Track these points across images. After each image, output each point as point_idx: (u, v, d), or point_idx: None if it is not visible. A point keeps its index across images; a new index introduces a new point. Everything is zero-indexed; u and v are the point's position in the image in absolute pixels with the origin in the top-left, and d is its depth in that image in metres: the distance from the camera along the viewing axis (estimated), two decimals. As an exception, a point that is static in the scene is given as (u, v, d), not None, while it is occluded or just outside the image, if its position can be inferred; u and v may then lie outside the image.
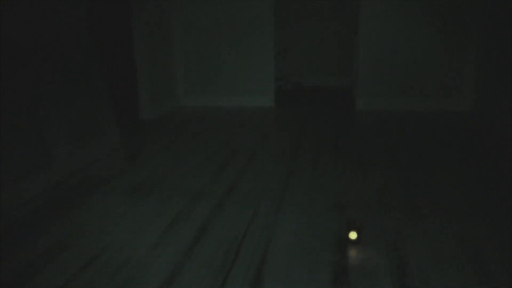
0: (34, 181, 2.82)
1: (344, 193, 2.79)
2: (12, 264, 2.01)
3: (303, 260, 2.02)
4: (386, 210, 2.52)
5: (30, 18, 2.79)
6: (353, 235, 2.14)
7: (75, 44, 3.27)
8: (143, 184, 2.97)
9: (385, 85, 5.22)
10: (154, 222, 2.41)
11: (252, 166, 3.31)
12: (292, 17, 7.05)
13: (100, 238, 2.24)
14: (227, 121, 4.73)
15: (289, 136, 4.12)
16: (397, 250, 2.09)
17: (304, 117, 4.92)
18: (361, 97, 5.29)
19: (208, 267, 1.97)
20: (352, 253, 2.07)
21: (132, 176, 3.11)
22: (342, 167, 3.26)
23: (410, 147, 3.73)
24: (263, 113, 5.12)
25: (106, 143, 3.68)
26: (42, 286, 1.84)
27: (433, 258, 2.02)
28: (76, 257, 2.06)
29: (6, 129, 2.58)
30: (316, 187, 2.89)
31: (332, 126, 4.49)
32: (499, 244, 2.13)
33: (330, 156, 3.52)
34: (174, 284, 1.84)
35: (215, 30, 5.38)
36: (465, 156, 3.47)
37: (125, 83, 4.74)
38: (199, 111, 5.23)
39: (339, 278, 1.88)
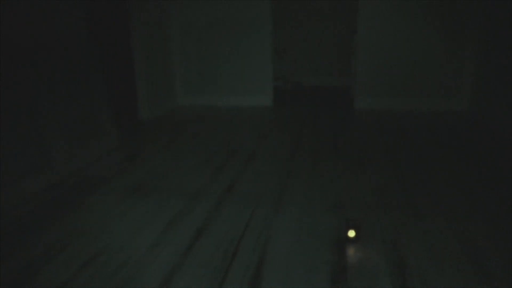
0: (34, 181, 2.82)
1: (343, 193, 2.79)
2: (11, 264, 2.01)
3: (302, 260, 2.02)
4: (385, 210, 2.52)
5: (29, 18, 2.79)
6: (351, 233, 2.14)
7: (74, 44, 3.27)
8: (142, 184, 2.97)
9: (384, 84, 5.23)
10: (153, 222, 2.41)
11: (251, 166, 3.31)
12: (291, 17, 7.05)
13: (99, 238, 2.24)
14: (226, 121, 4.73)
15: (288, 136, 4.12)
16: (396, 249, 2.09)
17: (303, 116, 4.92)
18: (360, 97, 5.29)
19: (207, 267, 1.98)
20: (351, 252, 2.07)
21: (131, 176, 3.11)
22: (341, 167, 3.27)
23: (409, 146, 3.73)
24: (262, 113, 5.12)
25: (105, 143, 3.69)
26: (41, 286, 1.84)
27: (432, 257, 2.02)
28: (75, 257, 2.06)
29: (6, 129, 2.58)
30: (315, 187, 2.89)
31: (331, 126, 4.50)
32: (498, 244, 2.14)
33: (329, 156, 3.52)
34: (173, 284, 1.85)
35: (214, 30, 5.38)
36: (464, 155, 3.48)
37: (124, 83, 4.74)
38: (198, 111, 5.23)
39: (338, 277, 1.88)
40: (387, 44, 5.11)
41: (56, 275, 1.92)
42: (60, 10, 3.10)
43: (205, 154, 3.59)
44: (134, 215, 2.50)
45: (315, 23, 7.03)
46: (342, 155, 3.53)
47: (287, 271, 1.93)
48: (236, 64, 5.45)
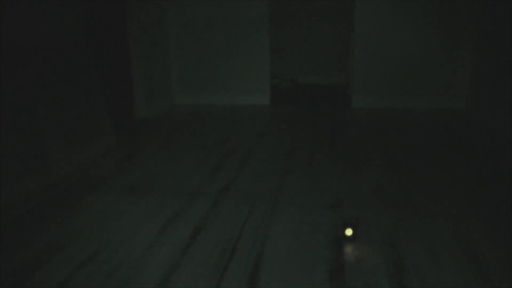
0: (31, 181, 2.82)
1: (341, 191, 2.79)
2: (10, 263, 2.01)
3: (300, 258, 2.02)
4: (384, 209, 2.53)
5: (27, 18, 2.78)
6: (349, 232, 2.15)
7: (71, 44, 3.26)
8: (140, 183, 2.96)
9: (381, 83, 5.23)
10: (151, 222, 2.41)
11: (248, 165, 3.31)
12: (288, 16, 7.05)
13: (97, 238, 2.24)
14: (223, 119, 4.73)
15: (285, 134, 4.12)
16: (394, 248, 2.10)
17: (300, 115, 4.92)
18: (357, 95, 5.30)
19: (205, 266, 1.98)
20: (349, 250, 2.08)
21: (129, 176, 3.10)
22: (339, 165, 3.27)
23: (407, 145, 3.74)
24: (259, 111, 5.12)
25: (103, 143, 3.68)
26: (40, 285, 1.84)
27: (431, 256, 2.03)
28: (73, 257, 2.06)
29: (4, 129, 2.57)
30: (313, 185, 2.89)
31: (328, 124, 4.50)
32: (497, 243, 2.14)
33: (327, 154, 3.53)
34: (171, 283, 1.85)
35: (212, 29, 5.37)
36: (462, 154, 3.48)
37: (121, 83, 4.73)
38: (195, 110, 5.23)
39: (335, 275, 1.88)
40: (385, 43, 5.11)
41: (55, 275, 1.91)
42: (57, 9, 3.09)
43: (202, 153, 3.58)
44: (132, 215, 2.49)
45: (312, 21, 7.03)
46: (340, 154, 3.53)
47: (285, 269, 1.93)
48: (233, 63, 5.45)
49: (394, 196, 2.70)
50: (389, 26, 5.06)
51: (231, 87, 5.53)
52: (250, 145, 3.79)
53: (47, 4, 3.00)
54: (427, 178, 2.97)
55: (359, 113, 4.97)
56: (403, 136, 4.01)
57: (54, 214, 2.52)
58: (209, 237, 2.24)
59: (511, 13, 3.90)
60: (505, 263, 1.95)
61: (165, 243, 2.18)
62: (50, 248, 2.14)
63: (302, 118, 4.79)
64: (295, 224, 2.36)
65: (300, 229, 2.30)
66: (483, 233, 2.22)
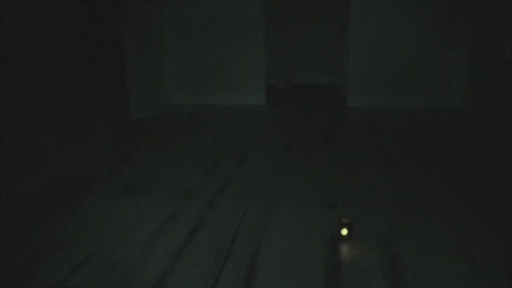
0: (27, 182, 2.81)
1: (336, 190, 2.80)
2: (7, 264, 2.00)
3: (296, 258, 2.02)
4: (379, 207, 2.53)
5: (23, 19, 2.77)
6: (344, 231, 2.15)
7: (67, 44, 3.25)
8: (136, 184, 2.96)
9: (376, 82, 5.25)
10: (146, 222, 2.41)
11: (244, 164, 3.31)
12: (283, 16, 7.05)
13: (93, 239, 2.23)
14: (219, 119, 4.73)
15: (281, 134, 4.13)
16: (389, 247, 2.10)
17: (296, 115, 4.92)
18: (352, 95, 5.31)
19: (200, 266, 1.97)
20: (344, 250, 2.08)
21: (124, 177, 3.10)
22: (333, 164, 3.27)
23: (402, 144, 3.75)
24: (254, 111, 5.12)
25: (98, 143, 3.67)
26: (36, 286, 1.83)
27: (425, 254, 2.03)
28: (68, 258, 2.05)
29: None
30: (309, 185, 2.90)
31: (323, 123, 4.51)
32: (492, 242, 2.15)
33: (322, 154, 3.53)
34: (167, 284, 1.84)
35: (207, 29, 5.37)
36: (457, 153, 3.50)
37: (117, 83, 4.72)
38: (191, 110, 5.22)
39: (331, 274, 1.88)
40: (379, 42, 5.12)
41: (51, 276, 1.91)
42: (53, 9, 3.08)
43: (199, 153, 3.58)
44: (127, 216, 2.49)
45: (307, 21, 7.04)
46: (336, 154, 3.54)
47: (281, 269, 1.94)
48: (229, 63, 5.44)
49: (390, 195, 2.70)
50: (384, 26, 5.07)
51: (227, 87, 5.53)
52: (246, 145, 3.79)
53: (44, 4, 2.99)
54: (423, 177, 2.98)
55: (355, 113, 4.98)
56: (399, 135, 4.02)
57: (51, 214, 2.51)
58: (205, 237, 2.24)
59: (507, 12, 3.92)
60: (502, 263, 1.96)
61: (161, 243, 2.18)
62: (47, 249, 2.13)
63: (298, 118, 4.79)
64: (291, 224, 2.36)
65: (296, 229, 2.30)
66: (479, 232, 2.23)
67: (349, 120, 4.65)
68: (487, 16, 4.39)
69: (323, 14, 6.97)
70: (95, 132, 3.66)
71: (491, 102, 4.20)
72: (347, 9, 6.84)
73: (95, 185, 2.95)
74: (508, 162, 3.25)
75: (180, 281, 1.87)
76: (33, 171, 2.89)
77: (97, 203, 2.66)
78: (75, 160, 3.35)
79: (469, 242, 2.13)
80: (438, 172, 3.06)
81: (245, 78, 5.47)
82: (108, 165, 3.35)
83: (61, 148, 3.20)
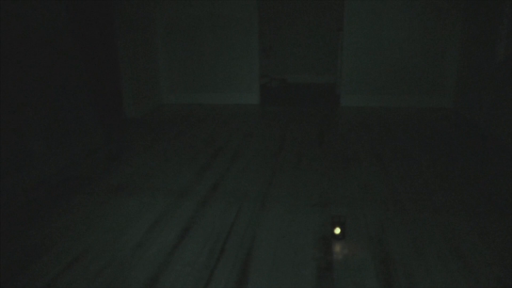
0: (16, 180, 2.78)
1: (328, 189, 2.80)
2: (-7, 266, 1.98)
3: (288, 257, 2.02)
4: (371, 206, 2.54)
5: (13, 16, 2.74)
6: (337, 230, 2.15)
7: (58, 43, 3.23)
8: (127, 183, 2.94)
9: (369, 82, 5.26)
10: (138, 222, 2.39)
11: (236, 164, 3.30)
12: (277, 15, 7.05)
13: (83, 238, 2.21)
14: (212, 119, 4.72)
15: (274, 133, 4.12)
16: (381, 245, 2.11)
17: (289, 114, 4.92)
18: (345, 94, 5.31)
19: (193, 265, 1.97)
20: (337, 248, 2.08)
21: (116, 175, 3.08)
22: (326, 163, 3.28)
23: (394, 143, 3.76)
24: (248, 110, 5.11)
25: (89, 142, 3.64)
26: (25, 286, 1.81)
27: (417, 253, 2.04)
28: (59, 258, 2.04)
29: (-14, 128, 2.54)
30: (301, 184, 2.90)
31: (316, 123, 4.51)
32: (483, 240, 2.16)
33: (315, 153, 3.53)
34: (159, 284, 1.83)
35: (200, 27, 5.35)
36: (448, 151, 3.51)
37: (108, 81, 4.69)
38: (183, 109, 5.20)
39: (324, 273, 1.88)
40: (373, 42, 5.13)
41: (40, 275, 1.89)
42: (43, 7, 3.06)
43: (190, 153, 3.57)
44: (119, 215, 2.47)
45: (301, 20, 7.04)
46: (328, 152, 3.54)
47: (273, 268, 1.93)
48: (222, 62, 5.43)
49: (382, 194, 2.71)
50: (378, 26, 5.08)
51: (220, 86, 5.52)
52: (239, 144, 3.78)
53: (33, 3, 2.96)
54: (415, 177, 2.99)
55: (348, 112, 4.99)
56: (391, 134, 4.04)
57: (41, 213, 2.49)
58: (197, 236, 2.23)
59: (499, 13, 3.94)
60: (493, 262, 1.97)
61: (153, 242, 2.17)
62: (38, 248, 2.11)
63: (291, 117, 4.79)
64: (283, 223, 2.35)
65: (288, 228, 2.30)
66: (470, 231, 2.24)
67: (342, 119, 4.65)
68: (479, 17, 4.42)
69: (317, 14, 6.97)
70: (87, 130, 3.63)
71: (482, 102, 4.22)
72: (341, 9, 6.85)
73: (87, 184, 2.93)
74: (498, 161, 3.27)
75: (172, 280, 1.86)
76: (23, 169, 2.86)
77: (88, 202, 2.64)
78: (66, 158, 3.33)
79: (460, 241, 2.14)
80: (430, 171, 3.07)
81: (239, 77, 5.46)
82: (100, 164, 3.33)
83: (52, 146, 3.18)
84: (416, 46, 5.09)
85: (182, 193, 2.77)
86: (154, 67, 5.31)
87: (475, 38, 4.49)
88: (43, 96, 3.07)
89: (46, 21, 3.11)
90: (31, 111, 2.94)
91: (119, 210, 2.53)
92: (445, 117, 4.70)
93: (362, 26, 5.10)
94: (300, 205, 2.57)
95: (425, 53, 5.09)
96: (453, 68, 5.08)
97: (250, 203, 2.60)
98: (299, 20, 7.03)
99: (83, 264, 1.98)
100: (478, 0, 4.43)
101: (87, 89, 3.64)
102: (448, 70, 5.11)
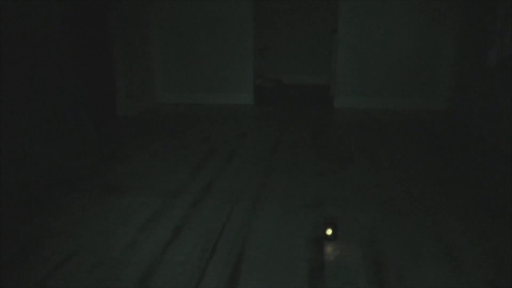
0: (8, 179, 2.76)
1: (321, 190, 2.80)
2: (-17, 264, 1.96)
3: (280, 257, 2.02)
4: (364, 207, 2.54)
5: (7, 15, 2.73)
6: (329, 231, 2.15)
7: (51, 41, 3.21)
8: (121, 182, 2.93)
9: (363, 84, 5.27)
10: (130, 221, 2.38)
11: (230, 164, 3.30)
12: (273, 16, 7.05)
13: (75, 237, 2.20)
14: (206, 118, 4.71)
15: (268, 134, 4.13)
16: (373, 247, 2.11)
17: (283, 115, 4.93)
18: (339, 95, 5.33)
19: (185, 264, 1.96)
20: (329, 249, 2.08)
21: (109, 175, 3.07)
22: (320, 164, 3.28)
23: (388, 145, 3.77)
24: (243, 111, 5.11)
25: (83, 141, 3.63)
26: (16, 285, 1.80)
27: (409, 254, 2.05)
28: (50, 257, 2.03)
29: (-22, 126, 2.52)
30: (295, 184, 2.90)
31: (310, 124, 4.52)
32: (474, 241, 2.17)
33: (309, 154, 3.54)
34: (151, 283, 1.83)
35: (195, 27, 5.35)
36: (442, 153, 3.53)
37: (103, 80, 4.68)
38: (178, 109, 5.20)
39: (315, 274, 1.89)
40: (367, 44, 5.15)
41: (32, 275, 1.88)
42: (38, 6, 3.04)
43: (185, 152, 3.56)
44: (112, 214, 2.47)
45: (296, 21, 7.05)
46: (322, 154, 3.55)
47: (265, 268, 1.93)
48: (217, 62, 5.43)
49: (375, 195, 2.72)
50: (372, 28, 5.10)
51: (215, 86, 5.51)
52: (233, 144, 3.78)
53: (30, 1, 2.95)
54: (408, 178, 3.00)
55: (342, 113, 5.00)
56: (384, 136, 4.05)
57: (33, 212, 2.47)
58: (190, 236, 2.22)
59: (493, 17, 3.97)
60: (485, 263, 1.98)
61: (145, 241, 2.16)
62: (28, 247, 2.10)
63: (286, 118, 4.80)
64: (276, 223, 2.36)
65: (281, 229, 2.30)
66: (462, 233, 2.25)
67: (336, 120, 4.66)
68: (473, 20, 4.44)
69: (313, 15, 6.98)
70: (81, 129, 3.62)
71: (475, 104, 4.25)
72: (336, 10, 6.87)
73: (80, 183, 2.92)
74: (491, 163, 3.29)
75: (164, 279, 1.85)
76: (16, 168, 2.84)
77: (81, 201, 2.63)
78: (60, 157, 3.31)
79: (452, 243, 2.15)
80: (423, 173, 3.09)
81: (234, 77, 5.46)
82: (93, 163, 3.32)
83: (45, 145, 3.16)
84: (410, 48, 5.11)
85: (175, 193, 2.76)
86: (149, 66, 5.30)
87: (470, 41, 4.52)
88: (37, 95, 3.06)
89: (39, 18, 3.10)
90: (24, 110, 2.92)
91: (112, 209, 2.52)
92: (439, 119, 4.72)
93: (357, 28, 5.11)
94: (293, 206, 2.57)
95: (420, 55, 5.12)
96: (448, 71, 5.11)
97: (243, 203, 2.60)
98: (294, 21, 7.04)
99: (75, 263, 1.97)
100: (473, 4, 4.45)
101: (82, 88, 3.63)
102: (442, 73, 5.13)
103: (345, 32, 5.14)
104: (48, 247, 2.11)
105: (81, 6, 4.13)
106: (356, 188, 2.83)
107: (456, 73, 4.90)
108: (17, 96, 2.85)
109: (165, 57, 5.47)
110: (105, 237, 2.21)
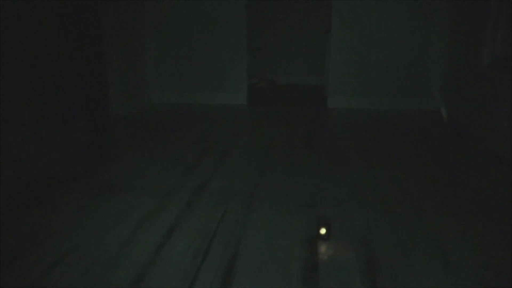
0: (1, 179, 2.75)
1: (315, 190, 2.81)
2: (-25, 265, 1.95)
3: (274, 257, 2.02)
4: (358, 207, 2.55)
5: (1, 16, 2.72)
6: (322, 231, 2.16)
7: (44, 40, 3.19)
8: (114, 182, 2.92)
9: (357, 84, 5.29)
10: (124, 221, 2.38)
11: (224, 164, 3.30)
12: (266, 16, 7.06)
13: (68, 238, 2.20)
14: (200, 118, 4.71)
15: (261, 134, 4.13)
16: (367, 246, 2.12)
17: (277, 115, 4.93)
18: (333, 96, 5.34)
19: (178, 265, 1.96)
20: (323, 249, 2.09)
21: (102, 175, 3.06)
22: (314, 164, 3.29)
23: (381, 144, 3.79)
24: (236, 111, 5.11)
25: (75, 141, 3.61)
26: (10, 285, 1.79)
27: (402, 254, 2.06)
28: (43, 257, 2.02)
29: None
30: (288, 184, 2.90)
31: (304, 124, 4.53)
32: (466, 241, 2.19)
33: (302, 154, 3.55)
34: (144, 283, 1.82)
35: (189, 27, 5.34)
36: (433, 153, 3.55)
37: (96, 80, 4.66)
38: (172, 109, 5.19)
39: (309, 274, 1.89)
40: (361, 44, 5.17)
41: (25, 275, 1.87)
42: (30, 6, 3.02)
43: (178, 152, 3.56)
44: (104, 214, 2.46)
45: (290, 22, 7.06)
46: (316, 153, 3.56)
47: (259, 268, 1.94)
48: (211, 62, 5.42)
49: (369, 195, 2.73)
50: (365, 28, 5.12)
51: (208, 86, 5.51)
52: (227, 145, 3.78)
53: (21, 1, 2.93)
54: (402, 178, 3.01)
55: (335, 114, 5.02)
56: (378, 136, 4.07)
57: (27, 212, 2.46)
58: (183, 236, 2.22)
59: (485, 17, 4.00)
60: (477, 263, 1.99)
61: (138, 242, 2.16)
62: (22, 247, 2.09)
63: (279, 118, 4.80)
64: (270, 223, 2.36)
65: (275, 228, 2.30)
66: (454, 233, 2.26)
67: (329, 120, 4.67)
68: (465, 20, 4.47)
69: (307, 15, 7.00)
70: (74, 129, 3.60)
71: (467, 105, 4.28)
72: (330, 11, 6.89)
73: (74, 183, 2.91)
74: (484, 163, 3.31)
75: (158, 279, 1.85)
76: (10, 168, 2.83)
77: (74, 202, 2.62)
78: (53, 157, 3.30)
79: (446, 243, 2.16)
80: (416, 173, 3.10)
81: (227, 77, 5.45)
82: (87, 163, 3.31)
83: (38, 145, 3.14)
84: (403, 48, 5.13)
85: (169, 193, 2.76)
86: (143, 66, 5.29)
87: (462, 41, 4.54)
88: (30, 95, 3.04)
89: (32, 16, 3.08)
90: (17, 110, 2.90)
91: (105, 209, 2.51)
92: (432, 119, 4.75)
93: (350, 29, 5.13)
94: (287, 206, 2.57)
95: (412, 56, 5.14)
96: (440, 71, 5.14)
97: (237, 203, 2.61)
98: (288, 21, 7.05)
99: (68, 263, 1.96)
100: (465, 3, 4.48)
101: (75, 87, 3.61)
102: (435, 73, 5.16)
103: (339, 32, 5.15)
104: (42, 247, 2.10)
105: (74, 5, 4.11)
106: (350, 188, 2.84)
107: (448, 73, 4.93)
108: (11, 97, 2.83)
109: (159, 57, 5.45)
110: (99, 237, 2.20)
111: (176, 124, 4.45)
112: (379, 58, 5.18)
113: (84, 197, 2.68)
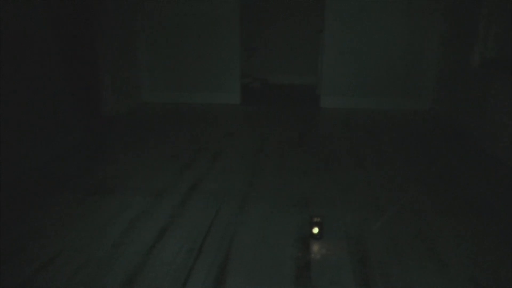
0: (-9, 179, 2.72)
1: (308, 190, 2.81)
2: (-35, 265, 1.93)
3: (267, 257, 2.02)
4: (350, 206, 2.56)
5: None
6: (315, 230, 2.17)
7: (34, 38, 3.17)
8: (106, 182, 2.91)
9: (349, 83, 5.30)
10: (115, 222, 2.37)
11: (217, 163, 3.30)
12: (259, 15, 7.06)
13: (59, 238, 2.18)
14: (193, 118, 4.70)
15: (255, 133, 4.13)
16: (359, 245, 2.13)
17: (270, 114, 4.94)
18: (325, 95, 5.35)
19: (170, 265, 1.96)
20: (315, 248, 2.09)
21: (94, 174, 3.04)
22: (306, 164, 3.29)
23: (373, 144, 3.80)
24: (229, 110, 5.11)
25: (67, 140, 3.59)
26: (0, 285, 1.78)
27: (395, 253, 2.07)
28: (34, 258, 2.00)
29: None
30: (281, 184, 2.91)
31: (297, 123, 4.53)
32: (458, 240, 2.20)
33: (295, 153, 3.55)
34: (136, 284, 1.82)
35: (181, 26, 5.33)
36: (426, 153, 3.57)
37: (88, 79, 4.63)
38: (164, 108, 5.17)
39: (302, 273, 1.89)
40: (353, 44, 5.18)
41: (15, 276, 1.86)
42: (21, 4, 3.00)
43: (171, 152, 3.55)
44: (96, 215, 2.44)
45: (283, 21, 7.06)
46: (309, 153, 3.56)
47: (252, 267, 1.93)
48: (203, 61, 5.41)
49: (362, 194, 2.74)
50: (358, 28, 5.13)
51: (201, 86, 5.50)
52: (220, 144, 3.78)
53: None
54: (393, 177, 3.03)
55: (328, 113, 5.03)
56: (370, 135, 4.08)
57: (17, 212, 2.44)
58: (176, 235, 2.22)
59: (477, 18, 4.02)
60: (469, 262, 2.01)
61: (130, 243, 2.15)
62: (12, 248, 2.07)
63: (272, 117, 4.80)
64: (262, 223, 2.36)
65: (268, 228, 2.30)
66: (447, 232, 2.28)
67: (322, 120, 4.68)
68: (457, 21, 4.50)
69: (300, 15, 7.01)
70: (66, 128, 3.58)
71: (458, 105, 4.30)
72: (322, 11, 6.90)
73: (66, 183, 2.89)
74: (475, 163, 3.33)
75: (150, 279, 1.84)
76: (1, 168, 2.81)
77: (66, 202, 2.60)
78: (44, 157, 3.28)
79: (437, 242, 2.17)
80: (408, 173, 3.12)
81: (220, 76, 5.45)
82: (78, 162, 3.29)
83: (30, 144, 3.12)
84: (395, 48, 5.15)
85: (161, 193, 2.75)
86: (135, 65, 5.26)
87: (454, 42, 4.57)
88: (21, 94, 3.02)
89: (23, 14, 3.05)
90: (8, 109, 2.88)
91: (97, 209, 2.50)
92: (423, 119, 4.78)
93: (343, 28, 5.14)
94: (280, 205, 2.58)
95: (405, 56, 5.16)
96: (432, 72, 5.16)
97: (230, 203, 2.60)
98: (281, 21, 7.05)
99: (61, 263, 1.95)
100: (457, 4, 4.51)
101: (66, 86, 3.59)
102: (426, 74, 5.19)
103: (331, 32, 5.16)
104: (34, 247, 2.08)
105: (66, 4, 4.08)
106: (343, 187, 2.85)
107: (439, 74, 4.96)
108: (2, 97, 2.81)
109: (152, 56, 5.43)
110: (91, 237, 2.19)
111: (168, 124, 4.44)
112: (372, 58, 5.20)
113: (76, 197, 2.66)
